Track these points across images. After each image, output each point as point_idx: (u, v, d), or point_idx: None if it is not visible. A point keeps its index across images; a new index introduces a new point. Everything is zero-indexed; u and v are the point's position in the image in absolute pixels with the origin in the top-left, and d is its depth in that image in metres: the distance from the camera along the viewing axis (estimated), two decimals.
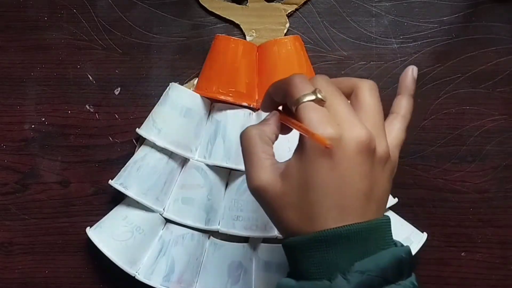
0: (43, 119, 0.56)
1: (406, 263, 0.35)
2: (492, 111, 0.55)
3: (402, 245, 0.37)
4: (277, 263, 0.51)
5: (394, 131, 0.39)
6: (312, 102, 0.36)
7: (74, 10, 0.56)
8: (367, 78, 0.55)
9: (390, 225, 0.36)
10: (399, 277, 0.35)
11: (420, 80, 0.55)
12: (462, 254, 0.55)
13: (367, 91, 0.38)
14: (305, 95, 0.36)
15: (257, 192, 0.37)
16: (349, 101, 0.38)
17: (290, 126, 0.37)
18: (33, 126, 0.56)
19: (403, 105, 0.41)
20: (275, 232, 0.51)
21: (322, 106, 0.36)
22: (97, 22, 0.56)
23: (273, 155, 0.38)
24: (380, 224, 0.36)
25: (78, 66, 0.56)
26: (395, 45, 0.56)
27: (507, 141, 0.55)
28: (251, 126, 0.39)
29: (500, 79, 0.55)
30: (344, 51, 0.56)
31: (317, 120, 0.35)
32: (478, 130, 0.55)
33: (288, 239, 0.37)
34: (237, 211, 0.51)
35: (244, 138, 0.39)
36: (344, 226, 0.34)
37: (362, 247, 0.34)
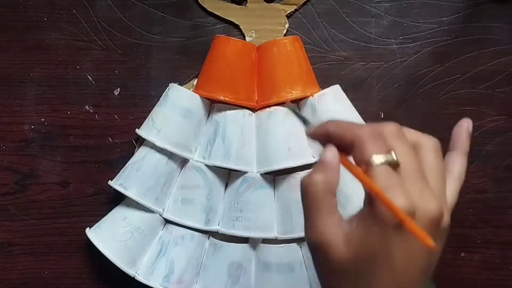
0: (43, 119, 0.56)
1: None
2: (492, 111, 0.55)
3: None
4: (277, 264, 0.51)
5: (449, 193, 0.36)
6: (386, 166, 0.31)
7: (74, 11, 0.56)
8: (367, 78, 0.55)
9: None
10: None
11: (419, 81, 0.55)
12: (462, 254, 0.55)
13: (433, 151, 0.35)
14: (378, 156, 0.32)
15: (318, 248, 0.33)
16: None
17: (365, 187, 0.32)
18: (32, 126, 0.56)
19: (457, 163, 0.38)
20: (275, 233, 0.51)
21: (396, 169, 0.32)
22: (97, 22, 0.56)
23: (338, 208, 0.34)
24: None
25: (78, 67, 0.56)
26: (395, 46, 0.56)
27: (507, 142, 0.55)
28: (316, 172, 0.34)
29: (500, 79, 0.55)
30: (344, 52, 0.56)
31: (390, 188, 0.31)
32: (477, 130, 0.55)
33: None
34: (237, 211, 0.51)
35: (310, 186, 0.34)
36: None
37: None
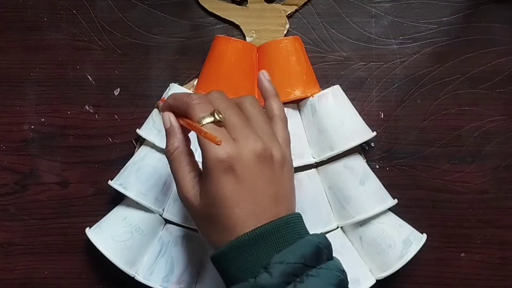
0: (43, 119, 0.56)
1: (323, 248, 0.38)
2: (492, 111, 0.55)
3: (317, 235, 0.39)
4: None
5: (279, 133, 0.42)
6: (211, 124, 0.39)
7: (74, 11, 0.56)
8: (367, 79, 0.55)
9: (301, 219, 0.40)
10: (319, 261, 0.37)
11: (419, 81, 0.55)
12: (462, 254, 0.55)
13: (249, 104, 0.42)
14: (204, 117, 0.39)
15: (185, 203, 0.41)
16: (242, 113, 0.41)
17: (191, 129, 0.40)
18: (32, 126, 0.56)
19: (273, 106, 0.44)
20: None
21: (221, 125, 0.39)
22: (97, 22, 0.56)
23: (197, 164, 0.42)
24: (291, 219, 0.39)
25: (78, 67, 0.56)
26: (395, 46, 0.56)
27: (507, 142, 0.55)
28: (168, 140, 0.42)
29: (500, 79, 0.55)
30: (344, 52, 0.56)
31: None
32: (477, 130, 0.55)
33: (213, 253, 0.39)
34: None
35: (170, 158, 0.42)
36: (259, 227, 0.37)
37: (278, 242, 0.37)
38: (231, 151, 0.38)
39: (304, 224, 0.40)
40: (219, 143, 0.37)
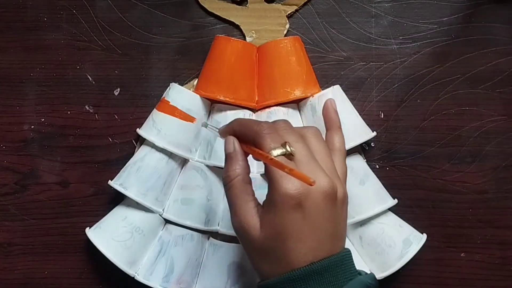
0: (43, 119, 0.56)
1: None
2: (492, 111, 0.55)
3: (366, 273, 0.39)
4: None
5: (338, 167, 0.42)
6: (282, 157, 0.38)
7: (74, 11, 0.56)
8: (367, 79, 0.55)
9: (351, 256, 0.40)
10: None
11: (419, 81, 0.55)
12: (462, 254, 0.55)
13: (314, 137, 0.41)
14: (275, 149, 0.38)
15: (241, 232, 0.40)
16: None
17: (265, 161, 0.38)
18: (32, 126, 0.56)
19: (335, 139, 0.44)
20: None
21: (291, 159, 0.38)
22: (97, 22, 0.56)
23: (254, 194, 0.41)
24: (344, 256, 0.39)
25: (78, 67, 0.56)
26: (395, 46, 0.56)
27: (507, 142, 0.55)
28: (230, 166, 0.41)
29: (500, 79, 0.55)
30: (344, 52, 0.56)
31: (287, 175, 0.37)
32: (477, 130, 0.55)
33: (261, 282, 0.39)
34: None
35: (229, 184, 0.40)
36: (315, 262, 0.37)
37: (332, 281, 0.37)
38: (302, 188, 0.37)
39: (353, 261, 0.40)
40: (312, 184, 0.35)
